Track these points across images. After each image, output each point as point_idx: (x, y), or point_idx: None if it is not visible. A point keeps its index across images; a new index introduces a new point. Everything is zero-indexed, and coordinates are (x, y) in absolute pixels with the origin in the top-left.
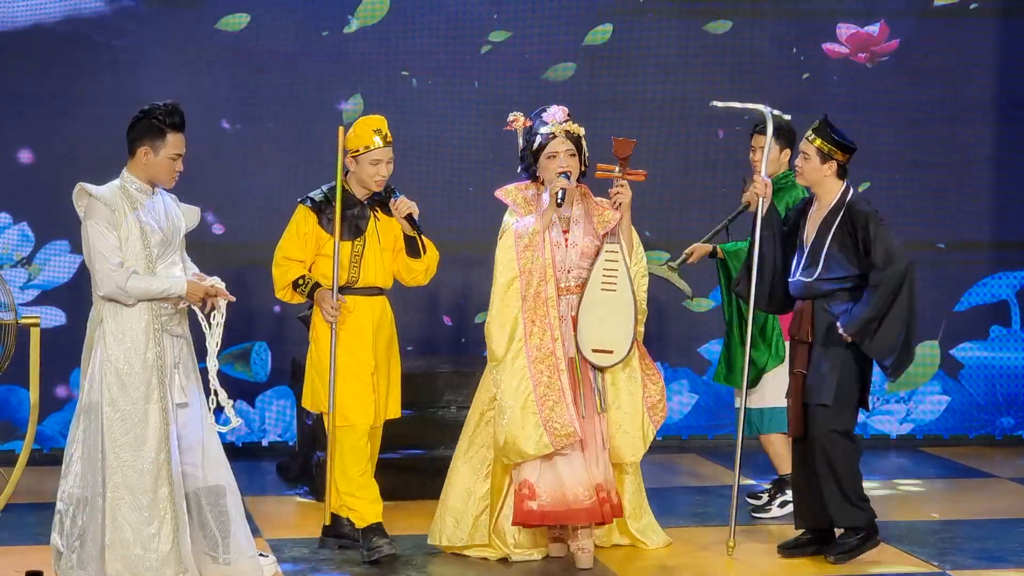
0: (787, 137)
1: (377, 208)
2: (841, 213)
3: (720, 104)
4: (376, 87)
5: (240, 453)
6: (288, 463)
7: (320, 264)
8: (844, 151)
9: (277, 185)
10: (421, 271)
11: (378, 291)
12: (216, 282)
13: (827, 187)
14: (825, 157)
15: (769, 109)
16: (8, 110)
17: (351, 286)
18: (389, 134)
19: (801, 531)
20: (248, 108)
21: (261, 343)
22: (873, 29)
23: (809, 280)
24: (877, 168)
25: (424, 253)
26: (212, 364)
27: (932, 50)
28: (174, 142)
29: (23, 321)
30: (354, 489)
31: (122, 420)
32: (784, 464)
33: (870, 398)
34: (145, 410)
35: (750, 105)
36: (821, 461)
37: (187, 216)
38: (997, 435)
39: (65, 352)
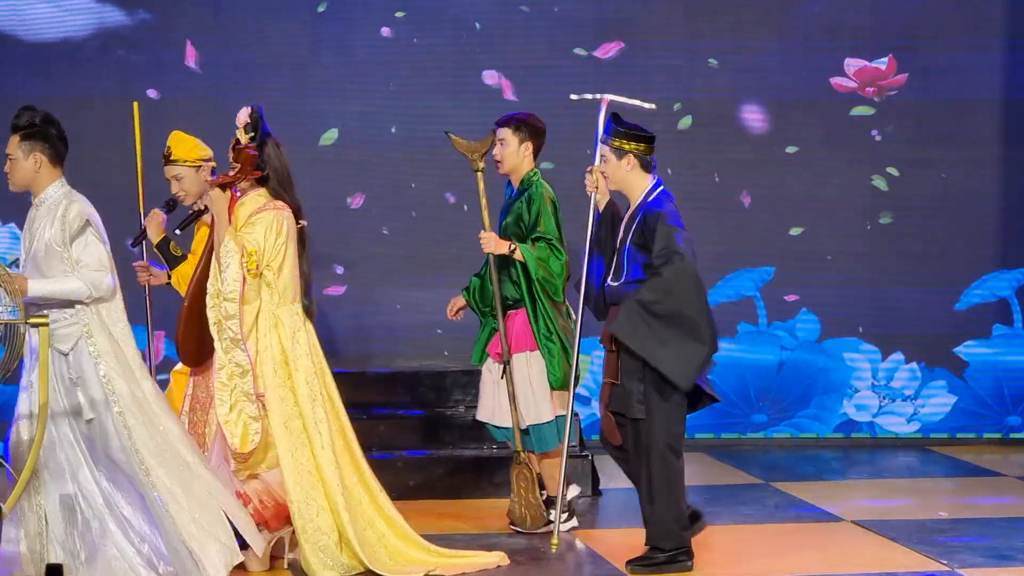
0: (528, 130)
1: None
2: (644, 213)
3: (614, 98)
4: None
5: None
6: None
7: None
8: (639, 141)
9: None
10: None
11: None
12: None
13: (632, 185)
14: (620, 153)
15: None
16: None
17: None
18: (169, 150)
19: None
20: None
21: None
22: (881, 63)
23: (615, 285)
24: (882, 163)
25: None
26: None
27: (938, 49)
28: None
29: (31, 321)
30: None
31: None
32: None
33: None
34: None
35: (641, 103)
36: (646, 477)
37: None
38: (1005, 434)
39: None
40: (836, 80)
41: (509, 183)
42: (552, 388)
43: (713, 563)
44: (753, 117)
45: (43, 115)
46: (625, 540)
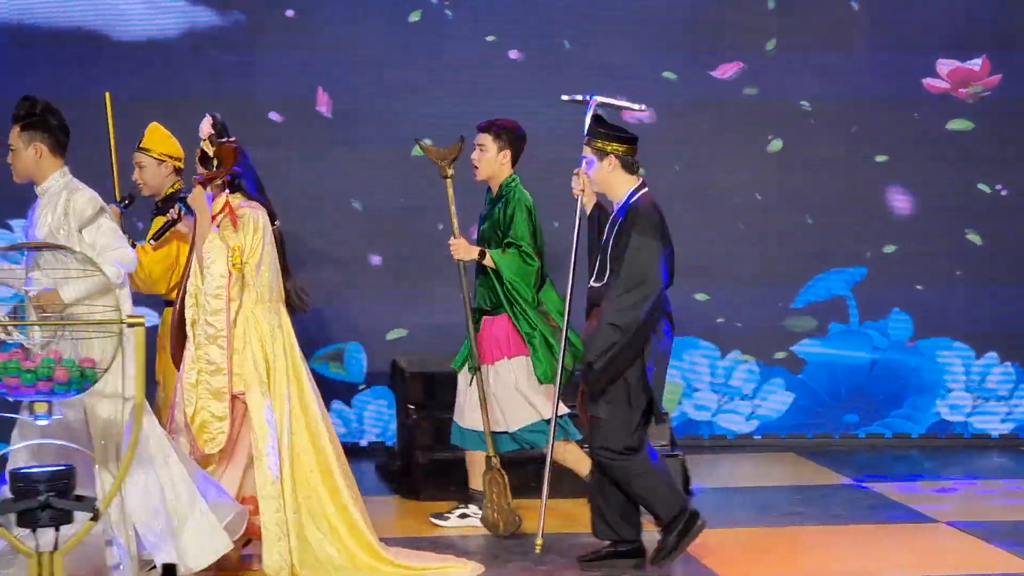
0: (508, 137)
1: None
2: (624, 215)
3: (604, 100)
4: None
5: None
6: (387, 463)
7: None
8: (619, 142)
9: (372, 186)
10: None
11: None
12: None
13: (615, 186)
14: (602, 154)
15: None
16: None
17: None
18: (142, 138)
19: (607, 543)
20: (346, 112)
21: (355, 343)
22: (975, 64)
23: (597, 286)
24: (975, 162)
25: None
26: None
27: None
28: None
29: (127, 321)
30: None
31: None
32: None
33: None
34: None
35: (630, 105)
36: (605, 476)
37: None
38: None
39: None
40: (928, 81)
41: (489, 190)
42: (540, 382)
43: (806, 564)
44: (900, 204)
45: (43, 105)
46: (716, 539)
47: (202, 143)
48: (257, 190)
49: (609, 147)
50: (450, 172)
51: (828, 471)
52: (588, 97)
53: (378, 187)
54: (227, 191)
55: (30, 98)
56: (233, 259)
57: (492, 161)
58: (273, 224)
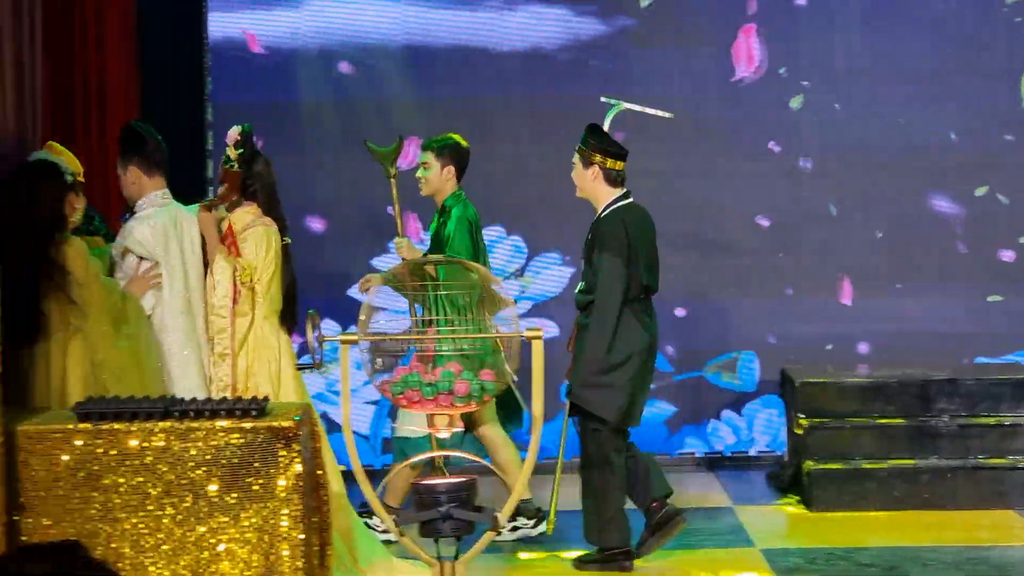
0: (452, 154)
1: None
2: (592, 229)
3: (628, 106)
4: None
5: (728, 462)
6: (778, 472)
7: None
8: (605, 155)
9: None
10: None
11: None
12: None
13: (597, 195)
14: (586, 163)
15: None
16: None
17: None
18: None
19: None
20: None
21: (749, 352)
22: None
23: (576, 293)
24: None
25: None
26: None
27: None
28: None
29: (527, 334)
30: None
31: None
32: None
33: None
34: None
35: (656, 111)
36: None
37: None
38: None
39: (557, 364)
40: None
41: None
42: None
43: None
44: None
45: (137, 129)
46: None
47: (227, 149)
48: (272, 205)
49: (595, 158)
50: (393, 171)
51: None
52: (613, 101)
53: (768, 197)
54: (236, 210)
55: (126, 125)
56: (242, 277)
57: (436, 178)
58: (283, 239)
